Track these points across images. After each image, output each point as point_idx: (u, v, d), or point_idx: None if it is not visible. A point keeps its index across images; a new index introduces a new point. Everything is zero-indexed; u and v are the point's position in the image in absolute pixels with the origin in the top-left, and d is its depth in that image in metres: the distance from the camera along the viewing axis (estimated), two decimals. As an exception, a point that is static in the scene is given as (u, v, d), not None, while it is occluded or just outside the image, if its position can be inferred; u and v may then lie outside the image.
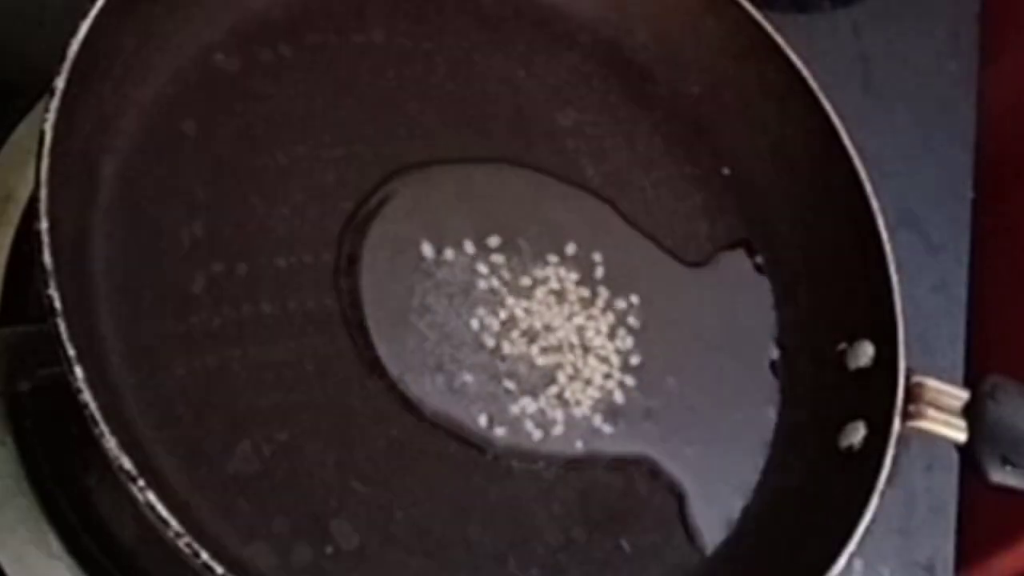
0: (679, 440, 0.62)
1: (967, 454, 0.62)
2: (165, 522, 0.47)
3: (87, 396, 0.48)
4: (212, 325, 0.56)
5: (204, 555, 0.48)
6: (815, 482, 0.62)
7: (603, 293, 0.64)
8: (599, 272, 0.64)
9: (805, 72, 0.68)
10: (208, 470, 0.53)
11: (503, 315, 0.61)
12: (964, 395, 0.62)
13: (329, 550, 0.54)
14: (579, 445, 0.60)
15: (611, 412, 0.61)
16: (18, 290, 0.61)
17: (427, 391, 0.59)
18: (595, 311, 0.63)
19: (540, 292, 0.63)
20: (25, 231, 0.61)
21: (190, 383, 0.55)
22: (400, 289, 0.60)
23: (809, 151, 0.68)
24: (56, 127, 0.51)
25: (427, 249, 0.62)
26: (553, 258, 0.64)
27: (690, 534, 0.60)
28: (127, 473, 0.47)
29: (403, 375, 0.59)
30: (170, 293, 0.56)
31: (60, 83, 0.52)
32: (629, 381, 0.62)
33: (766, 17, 0.68)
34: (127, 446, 0.48)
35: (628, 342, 0.63)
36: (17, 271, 0.61)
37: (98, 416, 0.48)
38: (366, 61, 0.65)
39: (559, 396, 0.61)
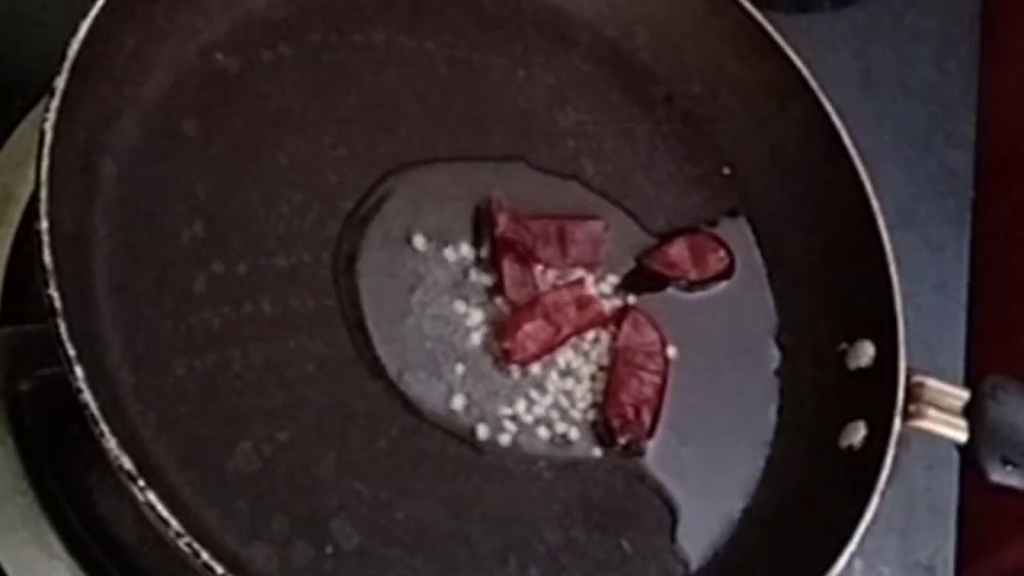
0: (679, 440, 0.62)
1: (967, 454, 0.62)
2: (165, 522, 0.47)
3: (87, 396, 0.48)
4: (212, 325, 0.56)
5: (204, 555, 0.48)
6: (815, 482, 0.62)
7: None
8: (599, 272, 0.64)
9: (805, 72, 0.68)
10: (208, 470, 0.53)
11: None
12: (964, 395, 0.62)
13: (329, 550, 0.54)
14: (579, 445, 0.60)
15: (611, 412, 0.62)
16: (18, 290, 0.61)
17: (427, 391, 0.59)
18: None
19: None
20: (25, 231, 0.61)
21: (190, 383, 0.55)
22: (399, 288, 0.60)
23: (809, 151, 0.68)
24: (56, 127, 0.51)
25: (426, 248, 0.62)
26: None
27: (691, 533, 0.60)
28: (127, 473, 0.47)
29: (403, 375, 0.59)
30: (170, 293, 0.56)
31: (60, 83, 0.52)
32: (629, 381, 0.62)
33: (766, 17, 0.69)
34: (127, 446, 0.48)
35: (628, 342, 0.63)
36: (17, 271, 0.61)
37: (98, 416, 0.48)
38: (366, 61, 0.65)
39: (559, 395, 0.61)
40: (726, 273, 0.66)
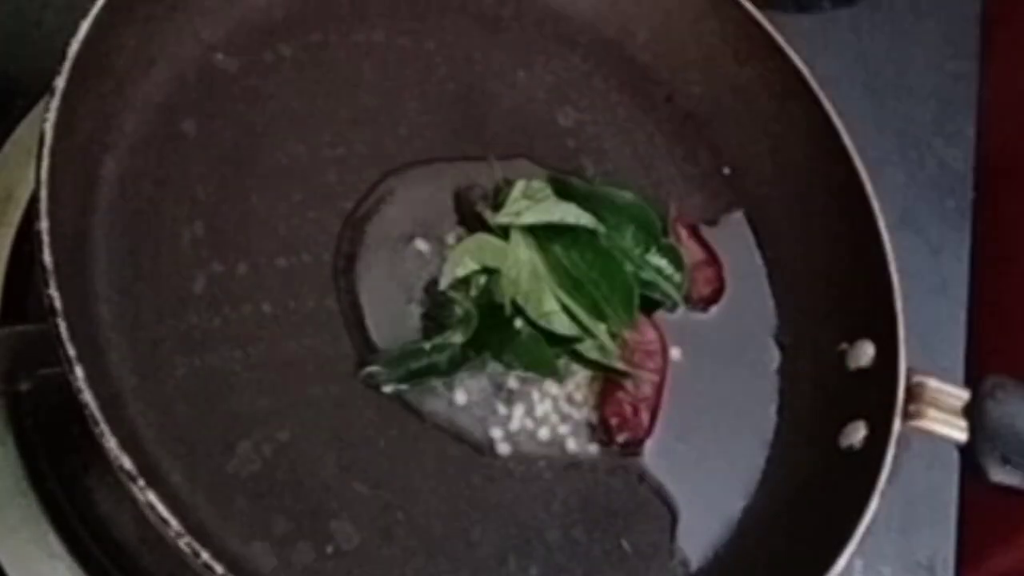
0: (679, 439, 0.62)
1: (967, 454, 0.62)
2: (165, 522, 0.47)
3: (87, 396, 0.48)
4: (212, 325, 0.56)
5: (204, 555, 0.48)
6: (815, 482, 0.62)
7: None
8: (599, 272, 0.64)
9: (805, 72, 0.68)
10: (208, 470, 0.53)
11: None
12: (964, 395, 0.62)
13: (329, 550, 0.54)
14: (579, 445, 0.60)
15: (611, 412, 0.61)
16: (18, 290, 0.61)
17: (427, 391, 0.59)
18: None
19: (540, 292, 0.63)
20: (25, 231, 0.61)
21: (190, 383, 0.55)
22: (399, 288, 0.60)
23: (809, 151, 0.68)
24: (56, 127, 0.51)
25: (426, 248, 0.62)
26: (553, 258, 0.64)
27: (691, 533, 0.60)
28: (127, 473, 0.47)
29: (403, 375, 0.59)
30: (170, 293, 0.56)
31: (60, 83, 0.52)
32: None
33: (766, 17, 0.69)
34: (127, 446, 0.48)
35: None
36: (17, 271, 0.61)
37: (98, 416, 0.48)
38: (366, 61, 0.65)
39: (559, 396, 0.61)
40: (709, 300, 0.65)
